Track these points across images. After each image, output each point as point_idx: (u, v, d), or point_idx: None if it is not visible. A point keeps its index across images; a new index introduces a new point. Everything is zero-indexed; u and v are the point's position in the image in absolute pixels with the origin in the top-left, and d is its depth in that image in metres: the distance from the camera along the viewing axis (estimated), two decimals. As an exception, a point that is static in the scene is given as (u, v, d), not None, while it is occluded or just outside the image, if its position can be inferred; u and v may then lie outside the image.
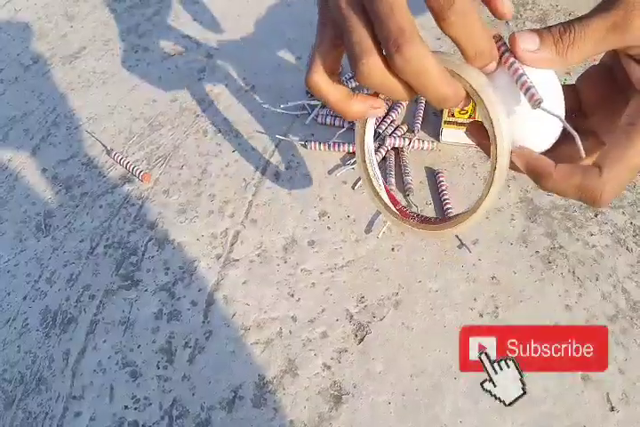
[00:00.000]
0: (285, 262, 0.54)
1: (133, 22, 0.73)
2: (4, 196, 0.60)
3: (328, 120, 0.62)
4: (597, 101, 0.32)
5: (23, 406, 0.48)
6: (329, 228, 0.56)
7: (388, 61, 0.25)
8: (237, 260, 0.54)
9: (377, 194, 0.36)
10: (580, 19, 0.27)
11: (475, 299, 0.50)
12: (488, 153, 0.30)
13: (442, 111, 0.59)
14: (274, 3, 0.73)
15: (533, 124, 0.29)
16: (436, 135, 0.60)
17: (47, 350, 0.51)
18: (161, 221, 0.57)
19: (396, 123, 0.61)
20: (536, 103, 0.27)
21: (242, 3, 0.73)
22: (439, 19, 0.25)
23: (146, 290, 0.53)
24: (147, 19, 0.74)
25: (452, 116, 0.59)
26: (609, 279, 0.50)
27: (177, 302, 0.52)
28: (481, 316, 0.49)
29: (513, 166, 0.30)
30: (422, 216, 0.36)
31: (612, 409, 0.45)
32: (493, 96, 0.28)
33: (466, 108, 0.59)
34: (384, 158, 0.59)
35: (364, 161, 0.36)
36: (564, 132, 0.29)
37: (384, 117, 0.61)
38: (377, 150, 0.59)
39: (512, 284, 0.51)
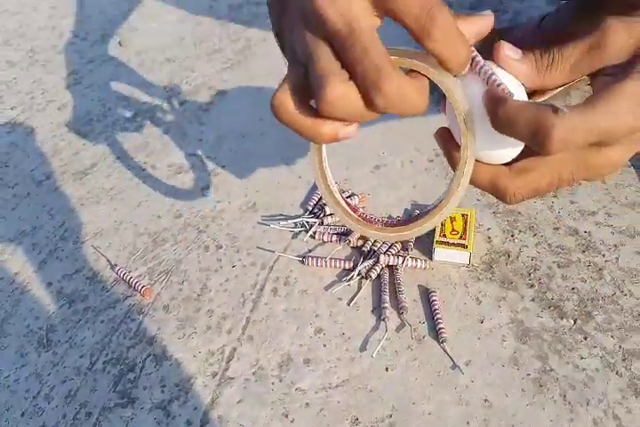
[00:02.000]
0: (280, 381, 0.60)
1: (143, 141, 0.85)
2: (10, 310, 0.68)
3: (325, 237, 0.71)
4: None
5: None
6: (324, 345, 0.63)
7: (366, 99, 0.27)
8: (233, 378, 0.61)
9: (338, 203, 0.37)
10: (559, 46, 0.31)
11: (467, 422, 0.56)
12: (452, 162, 0.35)
13: (434, 230, 0.68)
14: (276, 124, 0.85)
15: (499, 136, 0.32)
16: (428, 253, 0.68)
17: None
18: (160, 337, 0.64)
19: (389, 241, 0.70)
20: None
21: (245, 123, 0.86)
22: (421, 36, 0.27)
23: (142, 408, 0.59)
24: (155, 138, 0.86)
25: (444, 236, 0.67)
26: (600, 404, 0.56)
27: (172, 422, 0.58)
28: (473, 439, 0.55)
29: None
30: (385, 220, 0.39)
31: None
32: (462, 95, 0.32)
33: (457, 229, 0.68)
34: (378, 276, 0.67)
35: (325, 177, 0.37)
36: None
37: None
38: (372, 268, 0.67)
39: (504, 407, 0.56)
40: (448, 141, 0.35)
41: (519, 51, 0.32)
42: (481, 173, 0.35)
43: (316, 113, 0.29)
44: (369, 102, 0.28)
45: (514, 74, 0.32)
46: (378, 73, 0.26)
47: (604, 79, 0.32)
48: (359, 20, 0.28)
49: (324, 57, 0.28)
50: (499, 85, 0.31)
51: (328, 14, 0.28)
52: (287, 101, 0.30)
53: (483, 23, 0.32)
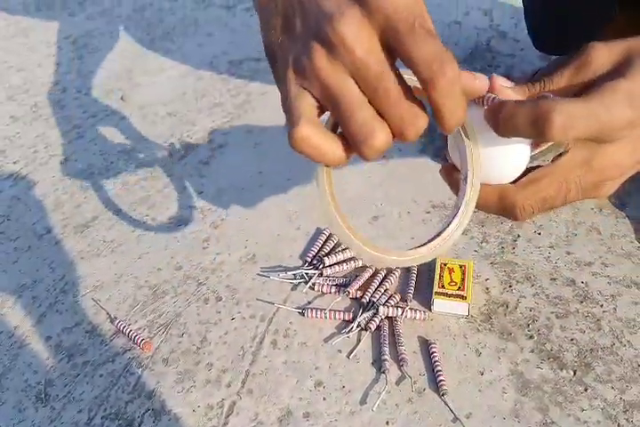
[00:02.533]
0: (280, 436, 0.61)
1: (144, 194, 0.89)
2: (8, 364, 0.70)
3: (325, 289, 0.73)
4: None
5: None
6: (324, 398, 0.64)
7: (401, 138, 0.30)
8: (233, 433, 0.62)
9: (353, 234, 0.36)
10: (547, 74, 0.35)
11: (469, 476, 0.57)
12: (456, 191, 0.39)
13: (432, 281, 0.71)
14: (274, 177, 0.89)
15: (501, 155, 0.36)
16: (427, 305, 0.70)
17: None
18: (159, 391, 0.66)
19: (389, 292, 0.73)
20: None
21: (246, 177, 0.89)
22: (429, 85, 0.29)
23: (140, 465, 0.60)
24: (157, 191, 0.89)
25: (442, 287, 0.70)
26: (602, 456, 0.57)
27: (170, 479, 0.59)
28: None
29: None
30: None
31: None
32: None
33: (455, 280, 0.71)
34: (378, 327, 0.69)
35: (333, 200, 0.35)
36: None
37: (378, 286, 0.73)
38: (371, 319, 0.69)
39: (506, 460, 0.57)
40: (453, 173, 0.40)
41: (510, 81, 0.36)
42: (488, 193, 0.38)
43: (337, 138, 0.31)
44: (403, 140, 0.31)
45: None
46: (415, 116, 0.30)
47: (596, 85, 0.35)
48: (385, 61, 0.30)
49: (357, 98, 0.30)
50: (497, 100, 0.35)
51: (356, 48, 0.29)
52: (312, 133, 0.30)
53: (479, 85, 0.35)
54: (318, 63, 0.29)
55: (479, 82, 0.34)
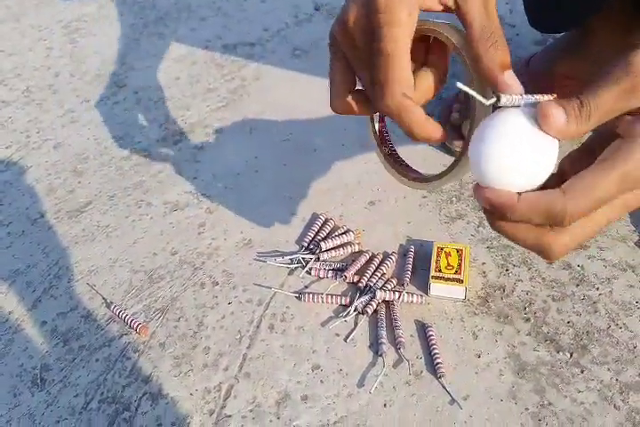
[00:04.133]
0: (278, 418, 0.61)
1: (138, 179, 0.88)
2: (2, 349, 0.69)
3: (321, 273, 0.73)
4: (576, 172, 0.36)
5: None
6: (322, 381, 0.64)
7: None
8: (230, 416, 0.62)
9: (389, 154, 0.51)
10: (591, 90, 0.33)
11: (467, 458, 0.57)
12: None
13: (429, 266, 0.71)
14: (270, 162, 0.88)
15: (530, 154, 0.34)
16: (424, 289, 0.70)
17: None
18: (156, 375, 0.65)
19: (386, 276, 0.72)
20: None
21: (241, 163, 0.89)
22: (482, 39, 0.38)
23: (137, 448, 0.60)
24: (151, 176, 0.88)
25: (439, 271, 0.70)
26: (598, 437, 0.57)
27: (168, 462, 0.59)
28: (473, 476, 0.55)
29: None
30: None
31: None
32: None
33: (452, 264, 0.70)
34: (375, 311, 0.69)
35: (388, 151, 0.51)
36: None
37: (375, 271, 0.72)
38: (368, 303, 0.69)
39: (503, 441, 0.58)
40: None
41: (562, 113, 0.33)
42: (524, 234, 0.37)
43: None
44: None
45: (562, 137, 0.35)
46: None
47: (627, 122, 0.35)
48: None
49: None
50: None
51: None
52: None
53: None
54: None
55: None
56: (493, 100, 0.35)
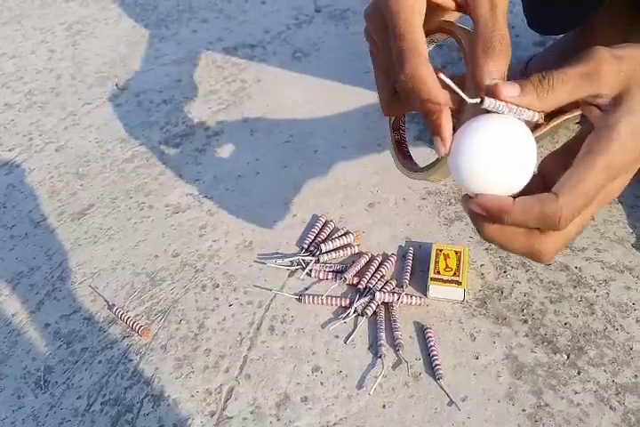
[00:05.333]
0: (278, 420, 0.62)
1: (140, 181, 0.89)
2: (6, 351, 0.70)
3: (321, 275, 0.74)
4: (558, 172, 0.37)
5: None
6: (322, 383, 0.64)
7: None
8: (231, 417, 0.62)
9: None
10: (557, 69, 0.35)
11: (465, 459, 0.57)
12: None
13: (428, 267, 0.71)
14: (271, 164, 0.89)
15: (510, 156, 0.35)
16: (423, 290, 0.71)
17: None
18: (157, 377, 0.66)
19: (385, 278, 0.73)
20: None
21: (242, 165, 0.89)
22: (485, 30, 0.39)
23: (139, 449, 0.60)
24: (153, 178, 0.89)
25: (438, 273, 0.70)
26: (595, 438, 0.58)
27: (170, 463, 0.59)
28: (470, 477, 0.56)
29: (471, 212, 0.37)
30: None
31: None
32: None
33: (450, 266, 0.71)
34: (374, 313, 0.70)
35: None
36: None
37: (374, 273, 0.73)
38: (368, 305, 0.70)
39: (501, 443, 0.58)
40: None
41: (516, 86, 0.35)
42: (514, 239, 0.38)
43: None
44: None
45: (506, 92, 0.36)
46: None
47: (599, 117, 0.36)
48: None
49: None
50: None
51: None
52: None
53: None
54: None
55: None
56: (477, 100, 0.36)
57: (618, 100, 0.36)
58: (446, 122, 0.38)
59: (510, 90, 0.35)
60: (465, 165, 0.36)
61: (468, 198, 0.37)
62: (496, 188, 0.36)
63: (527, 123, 0.37)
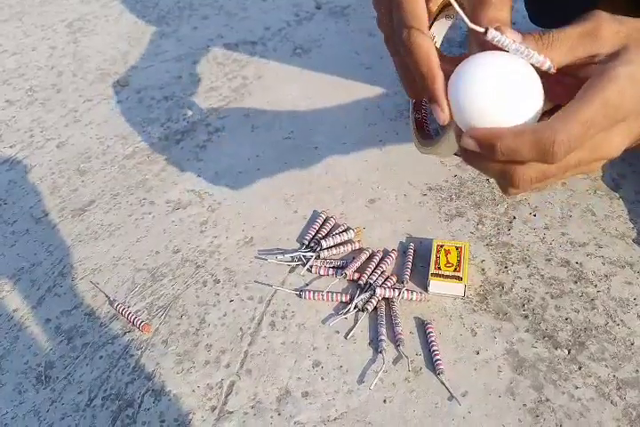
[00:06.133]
0: (279, 415, 0.62)
1: (141, 178, 0.89)
2: (8, 347, 0.70)
3: (322, 271, 0.74)
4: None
5: None
6: (322, 378, 0.64)
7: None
8: (232, 412, 0.62)
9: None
10: (557, 29, 0.36)
11: (465, 453, 0.57)
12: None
13: (428, 263, 0.71)
14: (271, 160, 0.88)
15: (506, 105, 0.34)
16: (424, 286, 0.70)
17: None
18: (158, 372, 0.66)
19: (386, 274, 0.73)
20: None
21: (243, 161, 0.89)
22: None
23: (140, 444, 0.60)
24: (154, 174, 0.89)
25: (439, 268, 0.70)
26: (596, 433, 0.58)
27: (171, 457, 0.59)
28: (471, 471, 0.56)
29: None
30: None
31: None
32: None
33: (451, 262, 0.71)
34: (375, 309, 0.70)
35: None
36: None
37: (375, 268, 0.73)
38: (368, 300, 0.69)
39: (501, 437, 0.58)
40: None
41: (519, 34, 0.35)
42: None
43: None
44: None
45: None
46: None
47: (596, 67, 0.36)
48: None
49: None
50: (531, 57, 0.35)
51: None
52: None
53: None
54: None
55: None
56: (482, 29, 0.35)
57: (615, 55, 0.35)
58: (442, 86, 0.38)
59: (512, 33, 0.35)
60: (465, 100, 0.35)
61: (463, 133, 0.37)
62: (507, 119, 0.35)
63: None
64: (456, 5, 0.35)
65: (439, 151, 0.50)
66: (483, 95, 0.34)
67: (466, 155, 0.38)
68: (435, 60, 0.38)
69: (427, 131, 0.55)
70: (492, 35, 0.34)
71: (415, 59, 0.39)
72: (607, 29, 0.35)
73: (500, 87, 0.34)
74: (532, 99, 0.35)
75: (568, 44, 0.35)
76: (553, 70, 0.36)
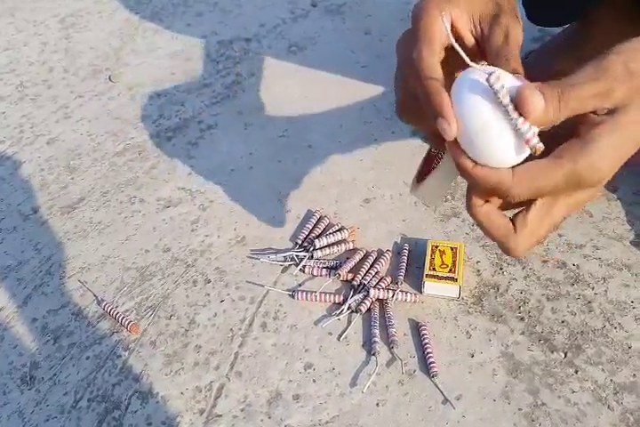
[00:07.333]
0: (269, 418, 0.60)
1: (132, 175, 0.87)
2: (-8, 346, 0.68)
3: (315, 271, 0.72)
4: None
5: None
6: (314, 381, 0.63)
7: None
8: (220, 415, 0.61)
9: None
10: (571, 82, 0.35)
11: (459, 458, 0.56)
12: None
13: (423, 264, 0.70)
14: (264, 158, 0.87)
15: (501, 140, 0.35)
16: (418, 287, 0.69)
17: None
18: (146, 374, 0.64)
19: (380, 274, 0.71)
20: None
21: (236, 159, 0.87)
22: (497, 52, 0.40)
23: (127, 447, 0.59)
24: (145, 172, 0.87)
25: (433, 269, 0.69)
26: (592, 438, 0.56)
27: (158, 461, 0.58)
28: (465, 477, 0.55)
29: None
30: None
31: None
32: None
33: (446, 263, 0.69)
34: (369, 310, 0.68)
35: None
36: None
37: (369, 269, 0.71)
38: (362, 302, 0.68)
39: (496, 442, 0.57)
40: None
41: (541, 99, 0.34)
42: (495, 229, 0.40)
43: None
44: None
45: (531, 110, 0.35)
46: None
47: (587, 125, 0.36)
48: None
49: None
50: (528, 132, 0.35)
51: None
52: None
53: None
54: None
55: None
56: (485, 74, 0.35)
57: (612, 112, 0.36)
58: (448, 100, 0.37)
59: (537, 104, 0.34)
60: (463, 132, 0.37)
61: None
62: (490, 159, 0.37)
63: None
64: (457, 46, 0.36)
65: (427, 190, 0.49)
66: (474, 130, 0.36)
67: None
68: (440, 75, 0.39)
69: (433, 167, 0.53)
70: (492, 81, 0.34)
71: (421, 74, 0.39)
72: (620, 89, 0.35)
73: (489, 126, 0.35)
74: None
75: (580, 104, 0.35)
76: (538, 151, 0.35)
